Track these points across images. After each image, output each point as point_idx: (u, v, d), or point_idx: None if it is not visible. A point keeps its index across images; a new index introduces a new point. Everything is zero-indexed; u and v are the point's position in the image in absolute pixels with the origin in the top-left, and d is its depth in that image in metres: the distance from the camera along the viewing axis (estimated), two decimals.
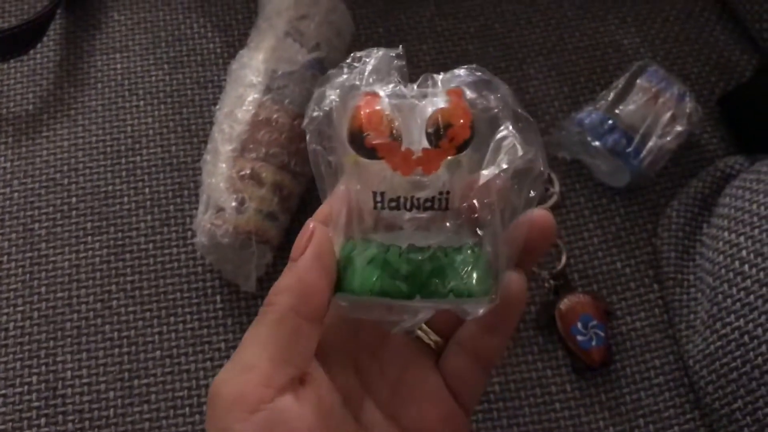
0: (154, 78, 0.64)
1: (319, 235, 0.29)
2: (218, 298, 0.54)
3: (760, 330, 0.47)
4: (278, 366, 0.28)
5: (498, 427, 0.52)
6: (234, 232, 0.51)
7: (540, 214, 0.30)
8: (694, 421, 0.52)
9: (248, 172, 0.52)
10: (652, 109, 0.57)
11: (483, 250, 0.28)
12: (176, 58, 0.65)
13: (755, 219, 0.51)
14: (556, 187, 0.59)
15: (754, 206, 0.52)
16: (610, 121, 0.57)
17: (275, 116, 0.55)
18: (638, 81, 0.59)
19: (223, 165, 0.53)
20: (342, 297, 0.29)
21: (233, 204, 0.51)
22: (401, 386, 0.33)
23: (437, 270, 0.28)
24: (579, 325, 0.52)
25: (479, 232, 0.29)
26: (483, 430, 0.51)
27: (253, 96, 0.55)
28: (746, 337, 0.48)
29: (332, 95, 0.29)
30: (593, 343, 0.52)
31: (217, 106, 0.57)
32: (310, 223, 0.29)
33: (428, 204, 0.28)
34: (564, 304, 0.53)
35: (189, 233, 0.57)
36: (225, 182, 0.52)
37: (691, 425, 0.52)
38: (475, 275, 0.28)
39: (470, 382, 0.34)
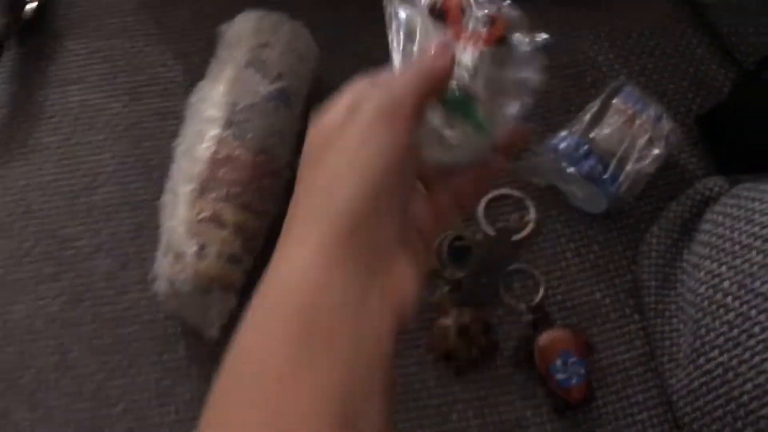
0: (112, 110, 0.61)
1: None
2: (181, 345, 0.52)
3: (744, 366, 0.46)
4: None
5: None
6: (195, 279, 0.48)
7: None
8: None
9: (208, 214, 0.50)
10: (628, 131, 0.55)
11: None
12: (135, 88, 0.62)
13: (737, 248, 0.49)
14: (532, 214, 0.57)
15: (735, 234, 0.50)
16: (586, 146, 0.55)
17: (236, 153, 0.52)
18: (614, 102, 0.57)
19: (182, 207, 0.50)
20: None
21: (194, 248, 0.49)
22: None
23: None
24: (558, 362, 0.50)
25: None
26: None
27: (213, 132, 0.53)
28: (730, 374, 0.47)
29: None
30: (573, 381, 0.50)
31: (176, 142, 0.54)
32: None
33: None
34: (543, 339, 0.51)
35: (149, 276, 0.54)
36: (184, 225, 0.50)
37: None
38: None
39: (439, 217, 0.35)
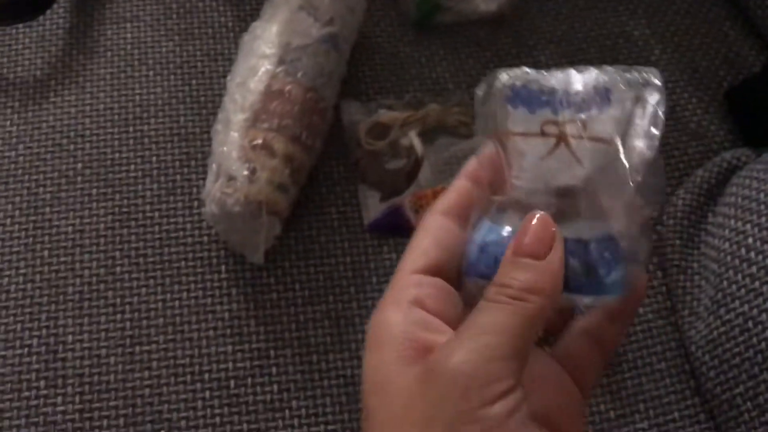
0: (164, 49, 0.63)
1: (558, 236, 0.29)
2: (223, 268, 0.54)
3: (765, 315, 0.48)
4: (521, 362, 0.28)
5: None
6: (245, 201, 0.50)
7: None
8: (695, 407, 0.52)
9: (260, 142, 0.52)
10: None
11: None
12: (187, 30, 0.65)
13: (762, 207, 0.51)
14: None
15: (761, 195, 0.52)
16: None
17: (288, 88, 0.54)
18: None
19: (235, 134, 0.53)
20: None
21: (245, 173, 0.51)
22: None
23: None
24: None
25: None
26: None
27: (266, 67, 0.55)
28: (750, 323, 0.49)
29: None
30: None
31: (229, 77, 0.56)
32: (547, 219, 0.29)
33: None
34: None
35: (195, 203, 0.56)
36: (237, 151, 0.52)
37: (691, 411, 0.52)
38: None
39: (590, 366, 0.35)
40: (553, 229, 0.29)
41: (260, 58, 0.55)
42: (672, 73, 0.64)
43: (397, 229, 0.56)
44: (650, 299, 0.55)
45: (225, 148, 0.52)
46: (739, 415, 0.49)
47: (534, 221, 0.29)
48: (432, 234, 0.33)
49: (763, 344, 0.48)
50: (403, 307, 0.30)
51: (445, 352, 0.28)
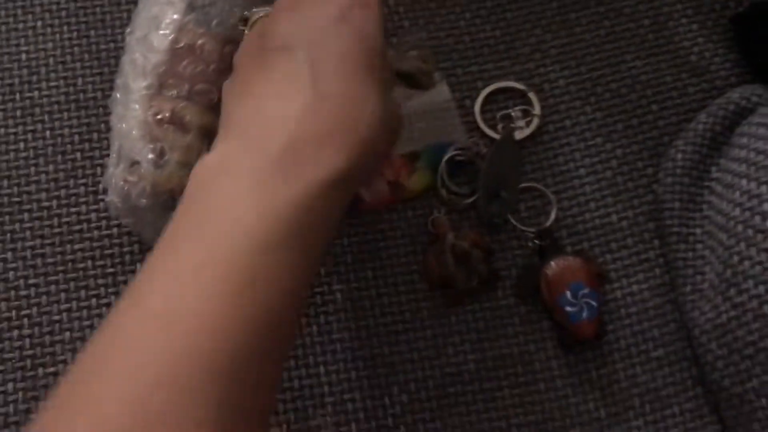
0: None
1: None
2: (138, 266, 0.45)
3: None
4: None
5: (473, 412, 0.44)
6: (152, 192, 0.41)
7: None
8: (697, 399, 0.45)
9: (168, 114, 0.42)
10: None
11: None
12: None
13: None
14: (537, 109, 0.50)
15: None
16: None
17: (200, 42, 0.44)
18: None
19: (136, 106, 0.43)
20: None
21: (150, 156, 0.41)
22: None
23: None
24: (568, 294, 0.44)
25: None
26: (456, 415, 0.44)
27: (171, 17, 0.44)
28: (766, 307, 0.41)
29: None
30: (584, 314, 0.44)
31: (128, 29, 0.46)
32: None
33: None
34: (551, 269, 0.45)
35: (100, 187, 0.47)
36: (139, 128, 0.42)
37: (692, 404, 0.45)
38: None
39: None
40: None
41: (164, 5, 0.45)
42: None
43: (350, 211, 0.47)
44: (646, 274, 0.47)
45: (125, 125, 0.42)
46: (752, 412, 0.42)
47: None
48: None
49: None
50: None
51: None
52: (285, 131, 0.32)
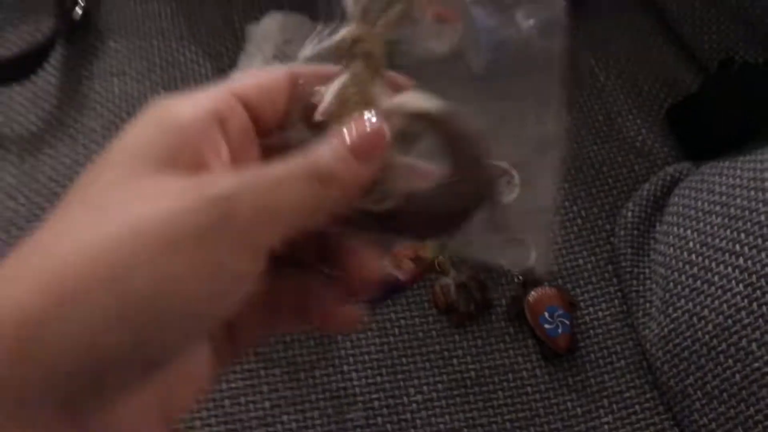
0: (150, 101, 0.68)
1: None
2: None
3: (706, 311, 0.53)
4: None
5: (474, 410, 0.56)
6: None
7: None
8: (654, 400, 0.57)
9: None
10: None
11: None
12: (170, 82, 0.70)
13: (700, 214, 0.57)
14: (517, 180, 0.64)
15: (699, 203, 0.58)
16: None
17: None
18: None
19: None
20: None
21: None
22: None
23: None
24: (546, 314, 0.57)
25: None
26: (460, 413, 0.56)
27: None
28: (695, 319, 0.54)
29: None
30: (559, 330, 0.57)
31: None
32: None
33: None
34: (532, 296, 0.58)
35: None
36: None
37: (650, 404, 0.57)
38: None
39: None
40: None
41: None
42: (617, 98, 0.70)
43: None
44: (608, 304, 0.61)
45: None
46: (691, 404, 0.54)
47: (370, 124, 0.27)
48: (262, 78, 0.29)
49: (707, 337, 0.53)
50: (201, 107, 0.27)
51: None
52: None
